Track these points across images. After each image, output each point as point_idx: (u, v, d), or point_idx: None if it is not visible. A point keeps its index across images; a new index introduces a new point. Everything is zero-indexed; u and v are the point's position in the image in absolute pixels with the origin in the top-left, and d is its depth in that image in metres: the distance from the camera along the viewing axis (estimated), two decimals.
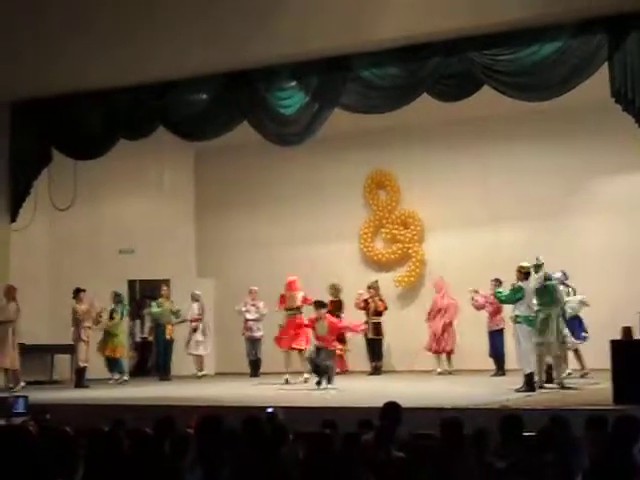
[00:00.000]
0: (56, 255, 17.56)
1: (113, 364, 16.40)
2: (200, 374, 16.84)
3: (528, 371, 12.11)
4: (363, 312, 16.65)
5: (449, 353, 16.09)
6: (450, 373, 15.83)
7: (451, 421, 6.26)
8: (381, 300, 16.71)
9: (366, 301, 16.69)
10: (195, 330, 16.97)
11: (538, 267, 12.52)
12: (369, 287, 16.74)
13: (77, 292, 15.88)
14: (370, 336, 16.60)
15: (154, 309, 17.08)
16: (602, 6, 11.21)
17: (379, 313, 16.70)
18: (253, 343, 16.86)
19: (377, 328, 16.68)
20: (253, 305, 16.75)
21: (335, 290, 16.58)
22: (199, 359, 17.09)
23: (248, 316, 16.77)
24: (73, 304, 15.79)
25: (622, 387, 10.17)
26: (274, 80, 13.52)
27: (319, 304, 14.23)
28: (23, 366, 15.50)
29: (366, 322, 16.61)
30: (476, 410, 10.14)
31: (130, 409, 11.14)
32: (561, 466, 5.55)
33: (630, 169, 15.72)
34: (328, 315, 14.17)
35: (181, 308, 16.93)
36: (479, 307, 15.23)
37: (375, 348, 16.69)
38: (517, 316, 12.26)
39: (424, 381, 14.80)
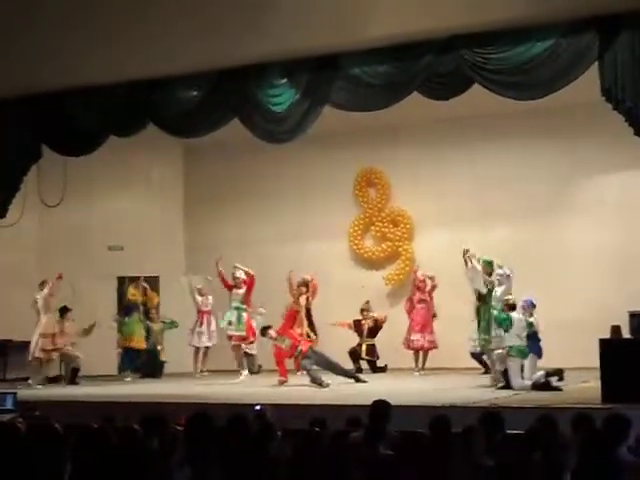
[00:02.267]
0: (45, 251, 17.52)
1: None
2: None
3: (502, 368, 12.44)
4: (355, 334, 16.63)
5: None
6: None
7: (439, 419, 6.27)
8: (376, 320, 16.58)
9: (359, 322, 16.63)
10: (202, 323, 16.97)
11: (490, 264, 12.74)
12: (362, 310, 16.65)
13: (64, 311, 15.90)
14: (364, 356, 16.55)
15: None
16: (593, 5, 11.22)
17: (373, 334, 16.61)
18: (245, 354, 16.90)
19: (372, 350, 16.61)
20: None
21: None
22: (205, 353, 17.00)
23: None
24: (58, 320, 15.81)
25: (611, 386, 10.21)
26: (265, 77, 13.49)
27: (264, 331, 14.58)
28: (11, 363, 15.55)
29: (359, 344, 16.58)
30: (465, 408, 10.16)
31: (119, 406, 11.15)
32: (549, 465, 5.56)
33: (621, 168, 15.76)
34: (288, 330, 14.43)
35: (173, 323, 16.92)
36: None
37: (370, 366, 16.61)
38: (510, 348, 12.31)
39: (413, 379, 14.81)
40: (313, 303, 16.31)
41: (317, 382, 13.69)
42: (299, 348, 14.16)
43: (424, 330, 15.86)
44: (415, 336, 15.86)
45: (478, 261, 13.07)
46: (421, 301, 16.01)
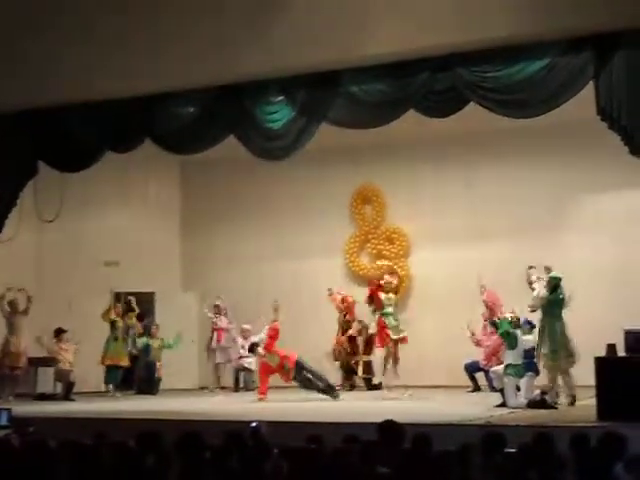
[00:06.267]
0: (41, 267, 17.49)
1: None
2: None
3: (501, 386, 12.35)
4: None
5: None
6: None
7: (420, 437, 6.26)
8: (371, 335, 16.39)
9: (353, 339, 16.57)
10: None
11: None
12: (359, 320, 16.61)
13: (59, 332, 15.93)
14: (360, 375, 16.50)
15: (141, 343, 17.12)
16: (589, 24, 11.26)
17: (369, 351, 16.55)
18: (244, 370, 16.99)
19: (368, 367, 16.54)
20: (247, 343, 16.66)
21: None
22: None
23: (242, 352, 16.76)
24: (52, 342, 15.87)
25: (606, 404, 10.21)
26: (262, 94, 13.52)
27: (254, 347, 14.79)
28: (5, 379, 15.60)
29: (356, 362, 16.55)
30: (460, 426, 10.15)
31: (114, 423, 11.11)
32: None
33: (617, 186, 15.78)
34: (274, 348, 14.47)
35: (172, 342, 16.91)
36: (478, 344, 15.07)
37: (365, 384, 16.57)
38: (507, 366, 12.28)
39: (409, 396, 14.75)
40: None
41: (318, 389, 14.02)
42: (285, 364, 14.25)
43: None
44: None
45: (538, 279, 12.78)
46: None
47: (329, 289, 16.51)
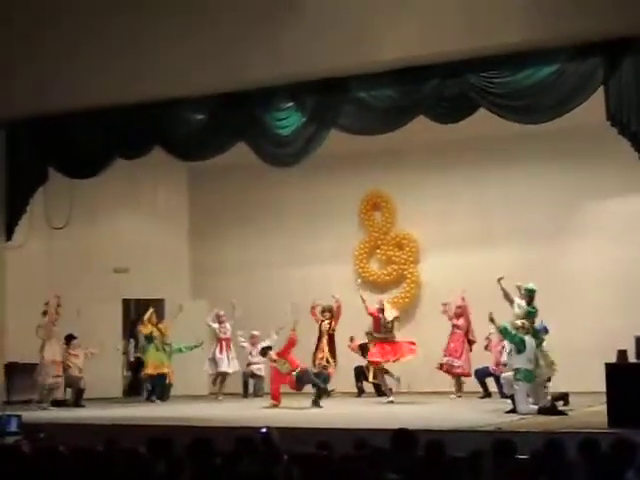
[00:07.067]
0: (51, 273, 17.51)
1: None
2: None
3: (511, 392, 12.33)
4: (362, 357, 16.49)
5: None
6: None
7: (434, 443, 6.24)
8: None
9: (365, 345, 16.52)
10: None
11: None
12: (367, 333, 16.54)
13: (69, 339, 15.91)
14: (371, 380, 16.45)
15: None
16: (598, 30, 11.27)
17: None
18: (253, 376, 16.95)
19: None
20: (256, 350, 16.64)
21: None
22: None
23: (250, 359, 16.75)
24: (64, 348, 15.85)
25: (617, 410, 10.19)
26: (271, 101, 13.55)
27: (266, 351, 14.77)
28: (18, 385, 15.58)
29: (367, 366, 16.49)
30: (470, 432, 10.14)
31: (125, 429, 11.12)
32: None
33: (626, 191, 15.75)
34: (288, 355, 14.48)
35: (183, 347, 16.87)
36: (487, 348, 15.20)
37: (376, 389, 16.51)
38: (517, 371, 12.26)
39: (417, 403, 14.74)
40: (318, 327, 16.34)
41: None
42: (295, 373, 14.28)
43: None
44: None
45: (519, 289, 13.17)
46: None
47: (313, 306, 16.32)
